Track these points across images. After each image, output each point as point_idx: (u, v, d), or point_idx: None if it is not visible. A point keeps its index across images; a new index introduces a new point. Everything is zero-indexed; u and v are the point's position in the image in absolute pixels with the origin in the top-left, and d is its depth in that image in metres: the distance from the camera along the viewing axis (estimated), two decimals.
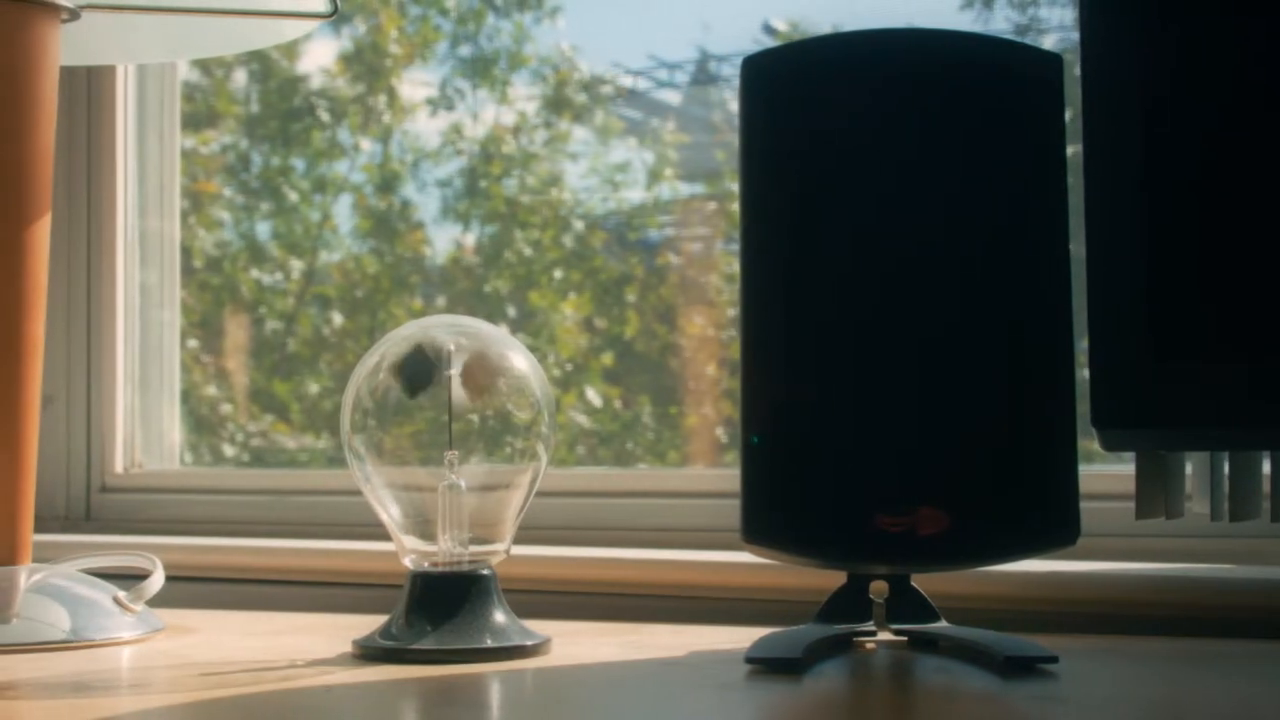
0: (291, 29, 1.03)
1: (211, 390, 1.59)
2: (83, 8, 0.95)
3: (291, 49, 1.62)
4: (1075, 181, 0.75)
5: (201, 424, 1.54)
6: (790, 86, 0.81)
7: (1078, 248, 0.74)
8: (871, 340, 0.79)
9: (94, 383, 1.29)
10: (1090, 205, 0.71)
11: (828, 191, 0.80)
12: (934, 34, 0.82)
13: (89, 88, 1.29)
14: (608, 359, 1.52)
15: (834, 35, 0.84)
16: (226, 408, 1.60)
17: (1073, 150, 0.79)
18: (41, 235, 0.93)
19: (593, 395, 1.49)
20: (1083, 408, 0.76)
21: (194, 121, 1.57)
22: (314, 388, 1.62)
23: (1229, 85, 0.70)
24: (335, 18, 0.99)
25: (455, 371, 0.84)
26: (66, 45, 0.97)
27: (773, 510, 0.80)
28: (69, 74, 1.02)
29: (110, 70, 1.29)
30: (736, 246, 1.44)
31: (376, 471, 0.84)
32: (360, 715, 0.71)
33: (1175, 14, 0.71)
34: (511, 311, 1.54)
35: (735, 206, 1.43)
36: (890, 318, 0.79)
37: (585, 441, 1.48)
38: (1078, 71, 0.80)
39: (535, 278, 1.54)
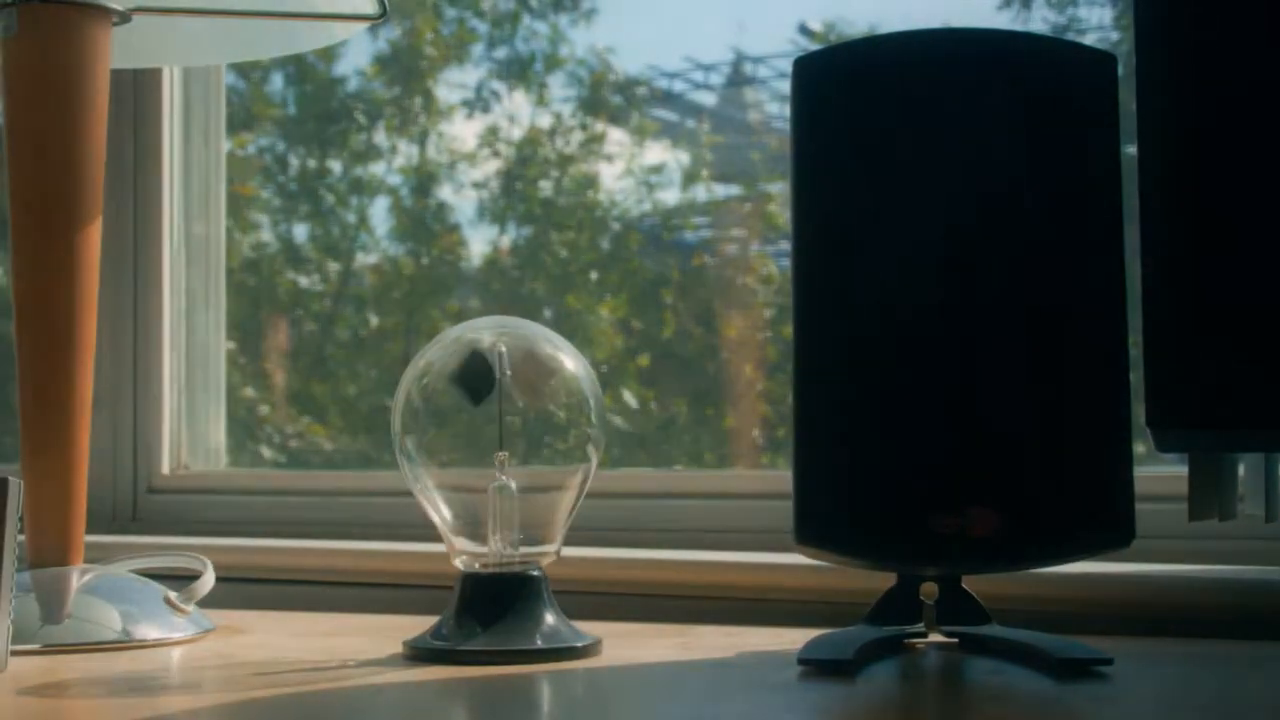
0: (340, 31, 1.03)
1: (249, 392, 1.59)
2: (134, 10, 0.96)
3: (328, 51, 1.63)
4: (1129, 180, 0.75)
5: (240, 426, 1.55)
6: (842, 87, 0.81)
7: (1133, 248, 0.74)
8: (923, 341, 0.79)
9: (140, 385, 1.29)
10: (1145, 205, 0.71)
11: (880, 192, 0.80)
12: (986, 33, 0.82)
13: (135, 91, 1.30)
14: (643, 361, 1.52)
15: (886, 35, 0.83)
16: (264, 409, 1.61)
17: (1126, 150, 0.79)
18: (93, 238, 0.93)
19: (628, 397, 1.49)
20: (1137, 409, 0.76)
21: (231, 124, 1.58)
22: (351, 389, 1.63)
23: None
24: (384, 20, 0.99)
25: (506, 373, 0.84)
26: (114, 48, 0.97)
27: (825, 512, 0.79)
28: (115, 77, 1.02)
29: (156, 74, 1.29)
30: (772, 248, 1.44)
31: (427, 473, 0.84)
32: (412, 716, 0.71)
33: (1228, 11, 0.70)
34: (548, 313, 1.54)
35: (771, 208, 1.43)
36: (943, 319, 0.79)
37: (621, 444, 1.47)
38: (1119, 70, 0.79)
39: (571, 279, 1.54)
